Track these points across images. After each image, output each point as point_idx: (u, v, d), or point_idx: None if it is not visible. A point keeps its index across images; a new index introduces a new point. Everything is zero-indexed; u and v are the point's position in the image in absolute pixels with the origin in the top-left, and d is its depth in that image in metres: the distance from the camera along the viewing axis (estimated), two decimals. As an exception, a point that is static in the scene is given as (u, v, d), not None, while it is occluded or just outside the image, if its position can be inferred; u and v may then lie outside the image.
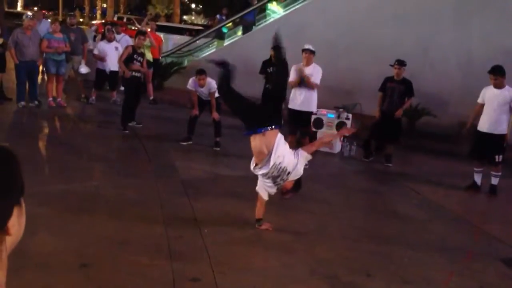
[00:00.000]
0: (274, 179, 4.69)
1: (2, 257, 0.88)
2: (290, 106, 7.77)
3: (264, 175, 4.69)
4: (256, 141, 4.64)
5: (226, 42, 15.14)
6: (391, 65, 8.23)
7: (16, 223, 0.89)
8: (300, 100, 7.61)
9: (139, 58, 8.95)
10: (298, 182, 4.72)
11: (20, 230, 0.92)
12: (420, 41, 11.29)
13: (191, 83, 8.25)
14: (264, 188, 4.78)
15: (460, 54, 11.03)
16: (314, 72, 7.57)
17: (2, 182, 0.86)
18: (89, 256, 4.09)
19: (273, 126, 4.63)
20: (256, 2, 15.08)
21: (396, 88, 8.16)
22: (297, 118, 7.62)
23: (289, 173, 4.61)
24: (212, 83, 8.12)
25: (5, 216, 0.86)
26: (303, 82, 7.51)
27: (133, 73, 8.83)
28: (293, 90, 7.67)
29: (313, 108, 7.80)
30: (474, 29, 10.97)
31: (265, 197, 4.82)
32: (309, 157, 4.77)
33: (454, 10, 11.14)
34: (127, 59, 8.82)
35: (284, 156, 4.59)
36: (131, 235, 4.61)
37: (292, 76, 7.53)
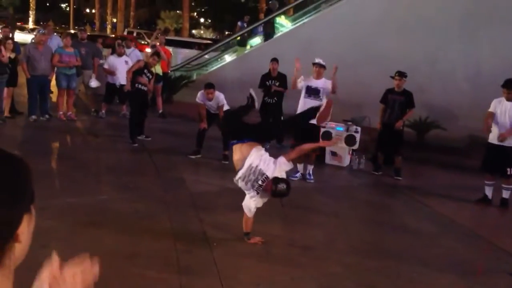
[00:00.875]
0: (252, 183, 4.74)
1: (10, 266, 0.88)
2: None
3: (242, 179, 4.79)
4: (236, 151, 4.98)
5: (246, 51, 15.19)
6: (392, 77, 8.26)
7: (26, 231, 0.89)
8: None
9: (148, 74, 9.04)
10: (285, 182, 4.70)
11: (29, 239, 0.92)
12: (428, 54, 11.31)
13: (199, 96, 8.30)
14: (249, 206, 4.83)
15: (469, 67, 11.02)
16: (326, 86, 7.58)
17: (13, 190, 0.86)
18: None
19: (251, 139, 4.98)
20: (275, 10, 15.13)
21: (397, 100, 8.17)
22: (303, 130, 7.56)
23: (267, 177, 4.69)
24: (220, 96, 8.17)
25: (15, 223, 0.86)
26: (313, 93, 7.52)
27: (140, 86, 8.90)
28: (301, 101, 7.62)
29: None
30: (482, 41, 10.97)
31: (249, 214, 4.87)
32: (289, 164, 4.88)
33: (462, 22, 11.15)
34: (137, 72, 8.92)
35: (261, 160, 4.77)
36: (139, 249, 4.62)
37: (298, 80, 7.59)
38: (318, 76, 7.63)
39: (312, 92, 7.56)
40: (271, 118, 9.12)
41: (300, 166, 7.73)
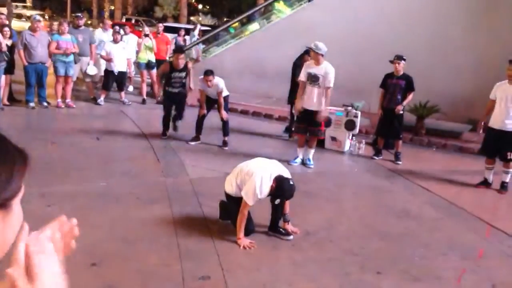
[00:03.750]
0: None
1: None
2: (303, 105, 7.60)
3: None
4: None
5: (244, 37, 14.97)
6: (391, 61, 8.17)
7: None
8: (312, 100, 7.40)
9: (177, 76, 8.44)
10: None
11: (4, 234, 0.84)
12: (430, 39, 11.22)
13: (199, 82, 8.24)
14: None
15: (470, 52, 10.95)
16: (326, 75, 7.26)
17: None
18: (99, 255, 4.10)
19: None
20: None
21: (397, 84, 8.10)
22: (308, 117, 7.48)
23: None
24: (220, 83, 8.09)
25: None
26: (312, 79, 7.37)
27: (170, 89, 8.50)
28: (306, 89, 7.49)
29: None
30: (484, 27, 10.88)
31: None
32: None
33: (465, 7, 11.05)
34: (166, 80, 8.53)
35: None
36: (140, 234, 4.62)
37: (303, 76, 7.43)
38: (317, 63, 7.35)
39: (312, 78, 7.37)
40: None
41: (300, 151, 7.69)
